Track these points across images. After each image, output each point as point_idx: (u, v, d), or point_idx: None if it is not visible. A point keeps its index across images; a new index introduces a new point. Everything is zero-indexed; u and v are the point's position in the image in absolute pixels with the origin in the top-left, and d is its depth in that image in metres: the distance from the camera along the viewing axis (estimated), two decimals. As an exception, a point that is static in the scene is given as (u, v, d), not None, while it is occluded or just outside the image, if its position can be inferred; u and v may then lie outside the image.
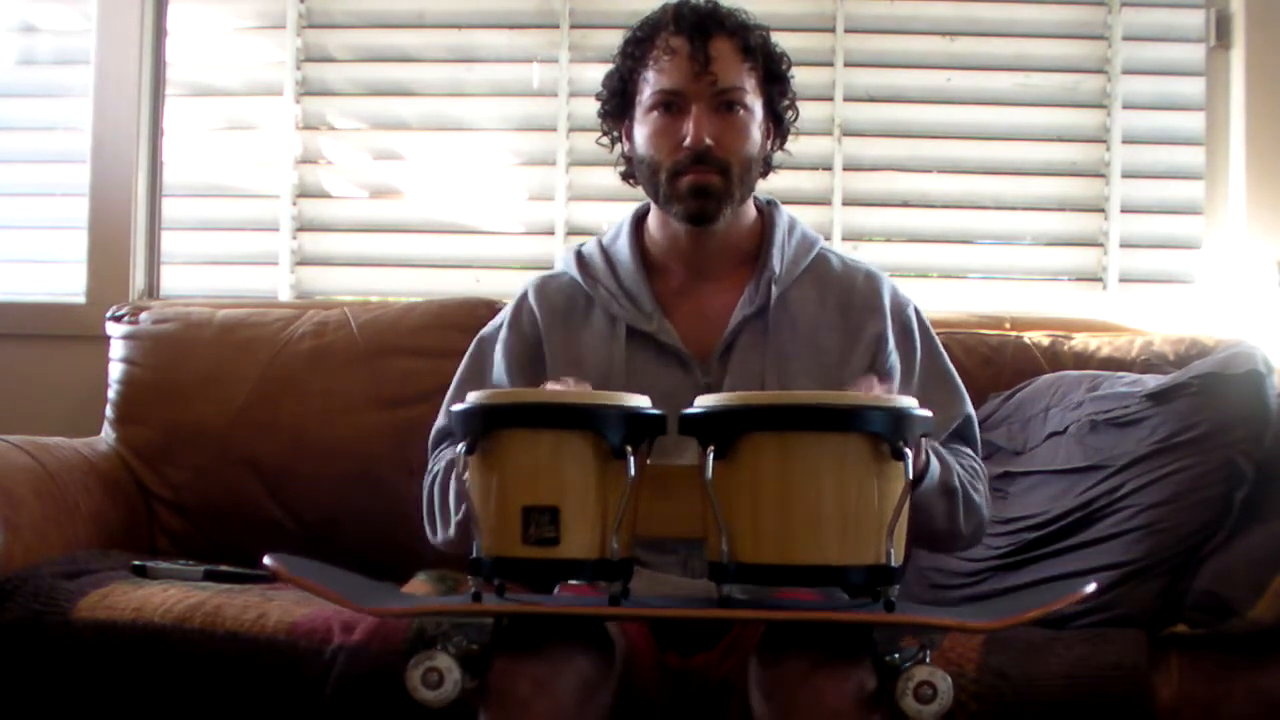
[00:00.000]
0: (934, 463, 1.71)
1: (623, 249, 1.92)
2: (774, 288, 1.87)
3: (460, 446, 1.47)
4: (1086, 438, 2.17)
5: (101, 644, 1.95)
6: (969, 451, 1.87)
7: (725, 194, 1.82)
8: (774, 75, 1.88)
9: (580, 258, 1.95)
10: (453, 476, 1.79)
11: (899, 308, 1.91)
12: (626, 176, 1.94)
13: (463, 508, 1.77)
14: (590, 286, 1.91)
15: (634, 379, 1.82)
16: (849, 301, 1.89)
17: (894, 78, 2.87)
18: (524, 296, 1.96)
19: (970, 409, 1.90)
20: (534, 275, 2.00)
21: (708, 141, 1.79)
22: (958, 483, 1.76)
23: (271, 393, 2.56)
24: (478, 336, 2.00)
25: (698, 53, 1.80)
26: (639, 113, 1.86)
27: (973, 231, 2.88)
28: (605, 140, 1.95)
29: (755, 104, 1.85)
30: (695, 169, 1.80)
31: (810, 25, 2.87)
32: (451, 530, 1.81)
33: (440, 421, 1.95)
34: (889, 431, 1.41)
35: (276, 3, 2.95)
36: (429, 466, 1.91)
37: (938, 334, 1.97)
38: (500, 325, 1.96)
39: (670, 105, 1.82)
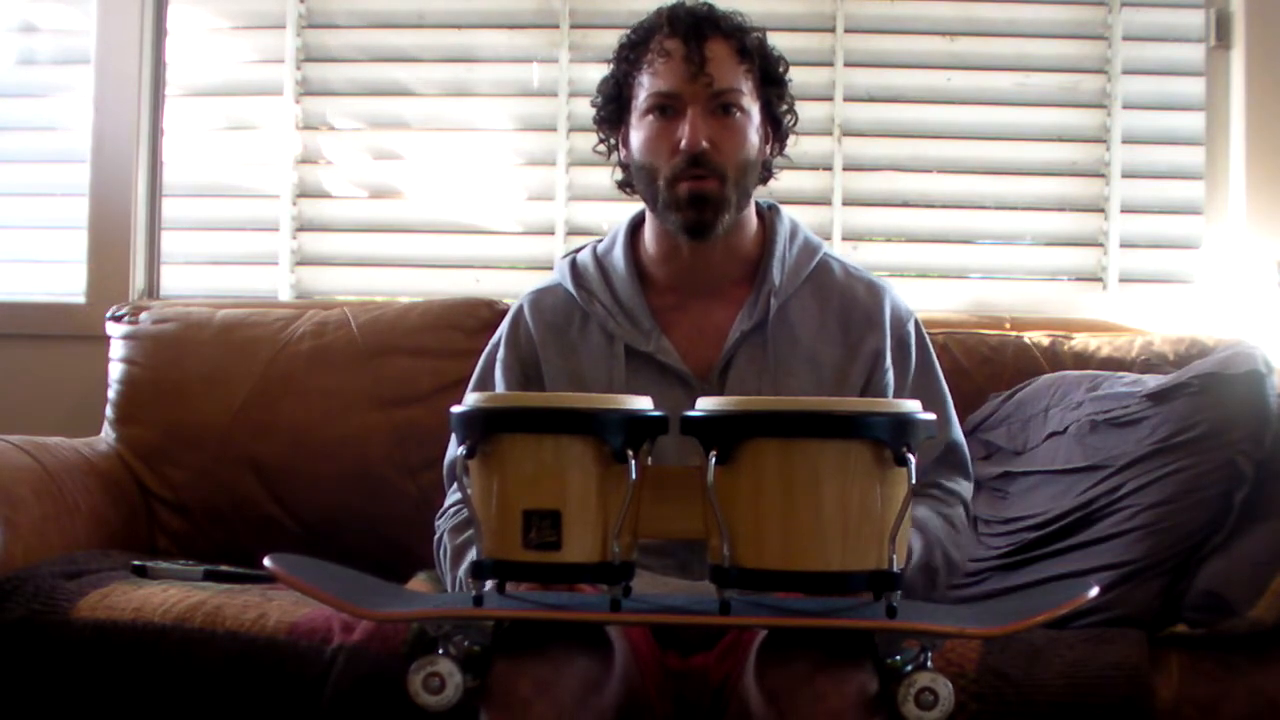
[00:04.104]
0: (914, 546, 1.72)
1: (618, 261, 1.91)
2: (773, 300, 1.85)
3: (460, 449, 1.47)
4: (1086, 438, 2.17)
5: (101, 644, 1.95)
6: (953, 487, 1.86)
7: (723, 201, 1.80)
8: (771, 78, 1.86)
9: (575, 269, 1.93)
10: (444, 556, 1.85)
11: (899, 322, 1.89)
12: (624, 185, 1.92)
13: (458, 579, 1.81)
14: (585, 302, 1.89)
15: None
16: (849, 315, 1.88)
17: (894, 78, 2.87)
18: (520, 312, 1.94)
19: (959, 436, 1.89)
20: (528, 290, 1.98)
21: (704, 145, 1.78)
22: (940, 560, 1.76)
23: (271, 393, 2.56)
24: (484, 354, 1.99)
25: (693, 54, 1.79)
26: (634, 117, 1.85)
27: (973, 231, 2.88)
28: (603, 148, 1.93)
29: (752, 107, 1.83)
30: (692, 176, 1.78)
31: (810, 25, 2.87)
32: (449, 591, 1.85)
33: (450, 454, 1.94)
34: (891, 437, 1.41)
35: (276, 3, 2.95)
36: (442, 507, 1.91)
37: (938, 334, 1.97)
38: (499, 343, 1.96)
39: (666, 108, 1.81)
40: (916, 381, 1.88)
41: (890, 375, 1.86)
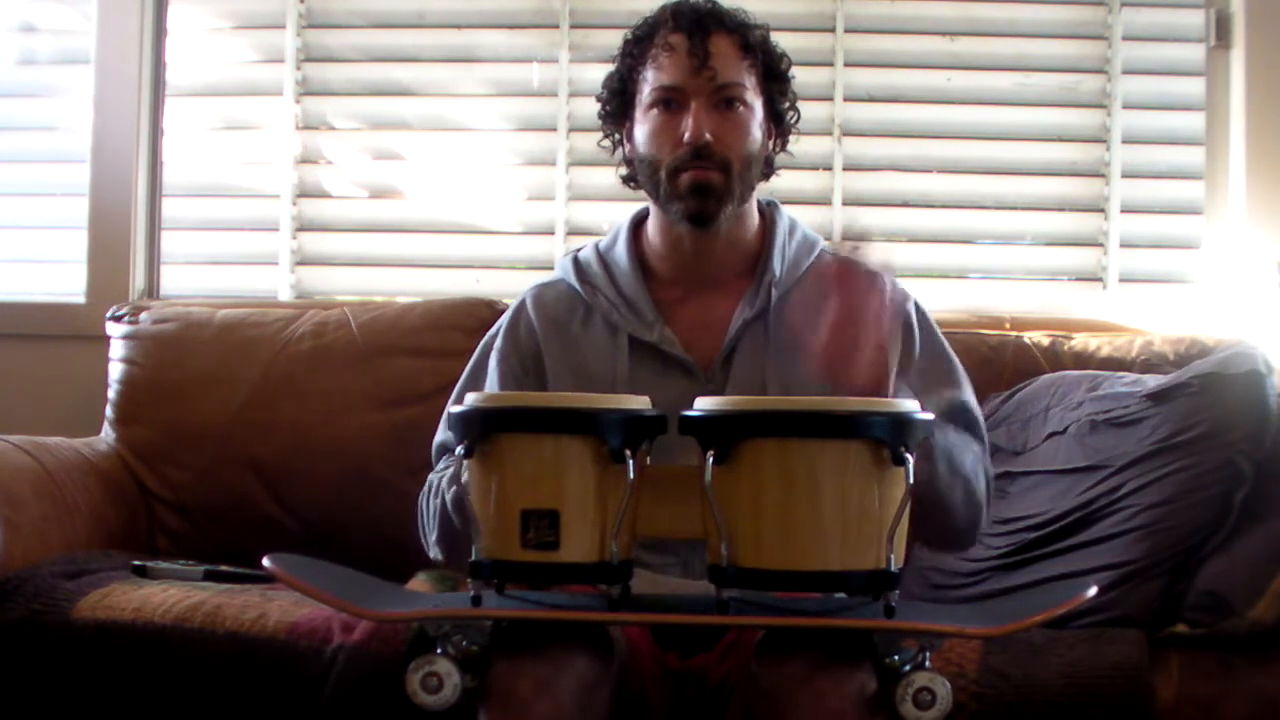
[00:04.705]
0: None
1: (621, 255, 1.92)
2: (774, 290, 1.86)
3: (459, 449, 1.47)
4: (1086, 438, 2.17)
5: (101, 644, 1.95)
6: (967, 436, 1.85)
7: (725, 192, 1.81)
8: (774, 74, 1.87)
9: (578, 265, 1.94)
10: (429, 495, 1.83)
11: (898, 303, 1.90)
12: (627, 180, 1.93)
13: (436, 528, 1.80)
14: (589, 295, 1.90)
15: (637, 388, 1.81)
16: (849, 302, 1.88)
17: (894, 78, 2.88)
18: (522, 305, 1.95)
19: (969, 398, 1.88)
20: (531, 284, 1.98)
21: (707, 137, 1.78)
22: (937, 439, 1.70)
23: (271, 393, 2.56)
24: (480, 344, 1.99)
25: (697, 49, 1.80)
26: (639, 112, 1.86)
27: (973, 231, 2.88)
28: (607, 144, 1.94)
29: (755, 101, 1.84)
30: (695, 166, 1.80)
31: (810, 25, 2.87)
32: (431, 550, 1.85)
33: (439, 437, 1.94)
34: (890, 437, 1.41)
35: (277, 3, 2.95)
36: (427, 480, 1.91)
37: (938, 333, 1.96)
38: (497, 333, 1.96)
39: (670, 102, 1.82)
40: (924, 352, 1.88)
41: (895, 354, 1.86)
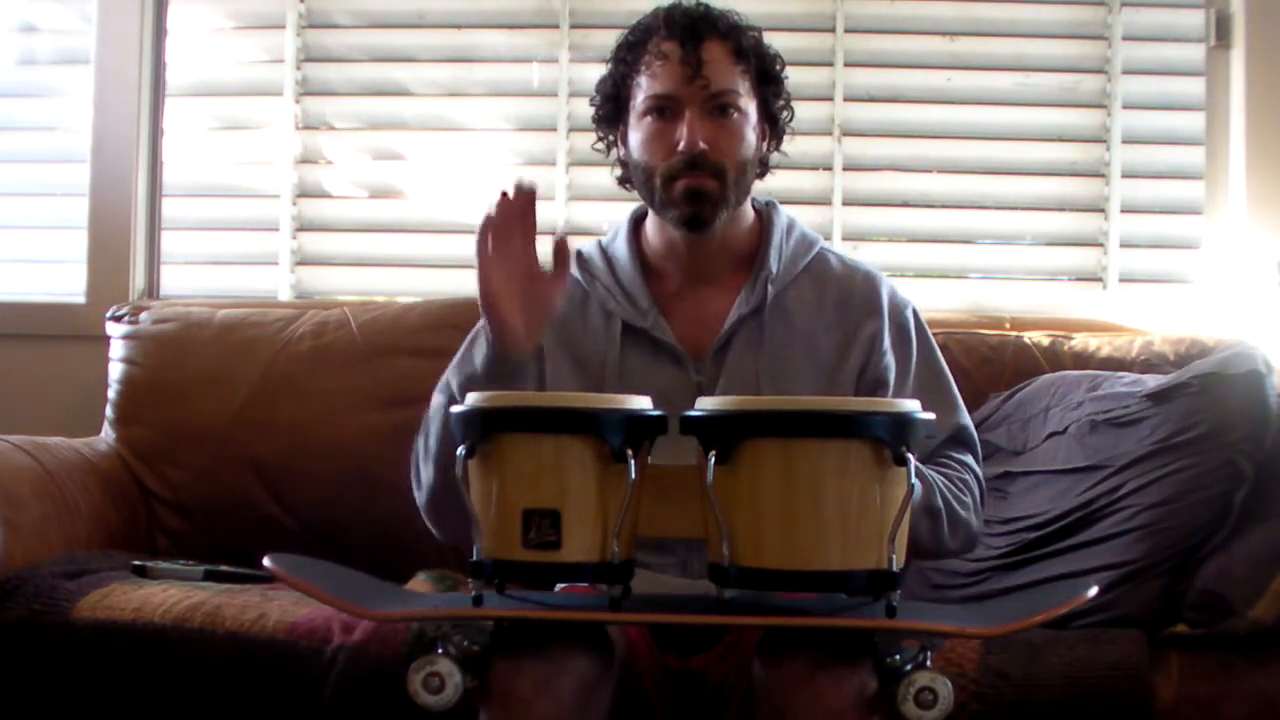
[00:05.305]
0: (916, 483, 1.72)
1: (621, 250, 1.93)
2: (770, 287, 1.87)
3: (460, 449, 1.47)
4: (1086, 438, 2.18)
5: (101, 644, 1.95)
6: (963, 459, 1.86)
7: (720, 198, 1.82)
8: (767, 76, 1.88)
9: (579, 256, 1.95)
10: (430, 422, 1.81)
11: (897, 309, 1.91)
12: (623, 181, 1.93)
13: (433, 445, 1.79)
14: (588, 283, 1.91)
15: (627, 374, 1.82)
16: (847, 301, 1.89)
17: (894, 78, 2.88)
18: None
19: (966, 419, 1.89)
20: None
21: (701, 146, 1.79)
22: (940, 502, 1.75)
23: (271, 393, 2.56)
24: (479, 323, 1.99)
25: (690, 57, 1.80)
26: (632, 118, 1.86)
27: (973, 231, 2.88)
28: (600, 146, 1.95)
29: (749, 106, 1.85)
30: (690, 174, 1.80)
31: (810, 25, 2.87)
32: (423, 494, 1.82)
33: (436, 399, 1.92)
34: (892, 437, 1.41)
35: (276, 3, 2.95)
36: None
37: (938, 334, 1.97)
38: None
39: (663, 110, 1.82)
40: (920, 370, 1.89)
41: (890, 359, 1.86)
